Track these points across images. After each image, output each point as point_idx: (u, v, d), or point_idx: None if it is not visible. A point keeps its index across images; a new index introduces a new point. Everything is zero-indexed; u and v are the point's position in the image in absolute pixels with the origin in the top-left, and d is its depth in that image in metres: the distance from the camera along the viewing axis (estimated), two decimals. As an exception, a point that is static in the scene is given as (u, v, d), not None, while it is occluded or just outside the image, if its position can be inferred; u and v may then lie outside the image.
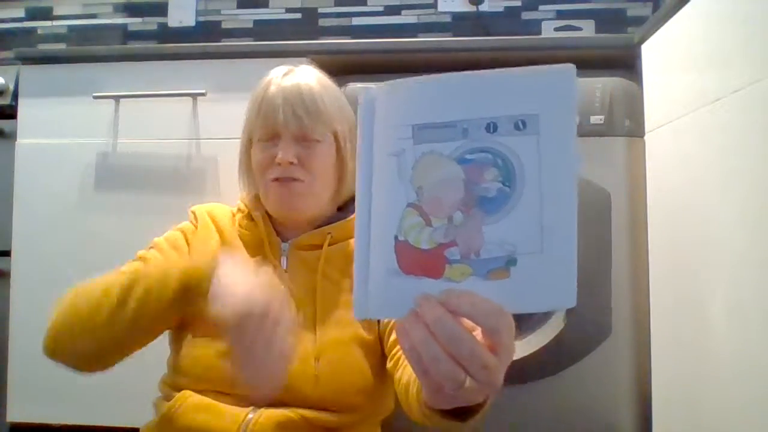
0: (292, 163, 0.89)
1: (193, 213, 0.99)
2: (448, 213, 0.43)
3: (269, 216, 0.96)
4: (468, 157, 0.42)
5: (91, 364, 0.81)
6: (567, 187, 0.42)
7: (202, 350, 0.85)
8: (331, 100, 0.93)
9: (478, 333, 0.45)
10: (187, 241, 0.94)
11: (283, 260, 0.93)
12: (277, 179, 0.90)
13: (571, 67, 0.42)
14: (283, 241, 0.94)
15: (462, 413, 0.56)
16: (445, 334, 0.43)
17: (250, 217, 0.96)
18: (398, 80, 0.44)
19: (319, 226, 0.95)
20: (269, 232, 0.94)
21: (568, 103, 0.42)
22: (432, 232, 0.43)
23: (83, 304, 0.79)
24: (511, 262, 0.42)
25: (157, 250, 0.92)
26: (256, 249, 0.94)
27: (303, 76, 0.92)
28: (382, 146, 0.44)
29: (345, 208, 1.00)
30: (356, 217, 0.45)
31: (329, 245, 0.93)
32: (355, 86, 1.30)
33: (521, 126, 0.41)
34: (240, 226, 0.96)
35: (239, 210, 0.99)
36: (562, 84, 0.42)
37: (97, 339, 0.78)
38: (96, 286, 0.81)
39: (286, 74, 0.92)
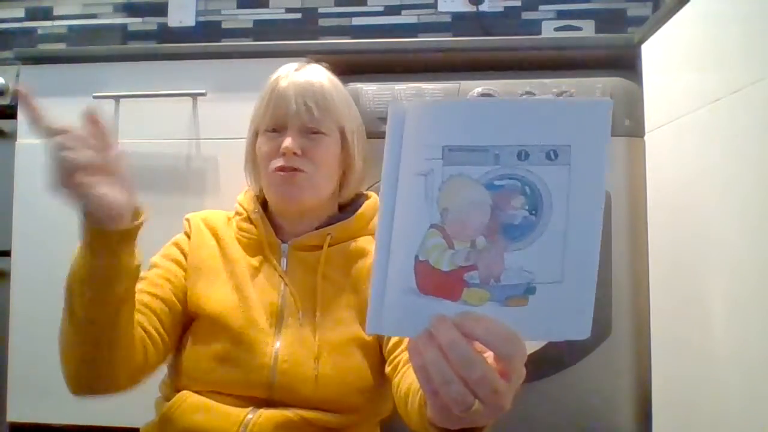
0: (296, 154, 0.89)
1: (188, 221, 0.98)
2: (472, 237, 0.43)
3: (268, 217, 0.96)
4: (497, 183, 0.42)
5: (116, 385, 0.78)
6: (593, 220, 0.42)
7: (201, 352, 0.85)
8: (341, 97, 0.95)
9: (489, 356, 0.45)
10: (183, 252, 0.94)
11: (283, 261, 0.93)
12: (280, 169, 0.90)
13: (607, 101, 0.42)
14: (282, 242, 0.94)
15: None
16: (458, 357, 0.42)
17: (248, 219, 0.96)
18: (432, 100, 0.44)
19: (320, 226, 0.95)
20: (269, 233, 0.94)
21: (602, 137, 0.42)
22: (453, 255, 0.43)
23: (64, 335, 0.78)
24: (530, 290, 0.43)
25: (156, 267, 0.92)
26: (256, 251, 0.93)
27: (314, 73, 0.94)
28: (410, 164, 0.43)
29: (346, 207, 1.00)
30: (377, 233, 0.45)
31: (329, 246, 0.93)
32: (356, 86, 1.30)
33: (553, 156, 0.41)
34: (239, 229, 0.95)
35: (237, 213, 0.98)
36: (597, 117, 0.42)
37: (88, 360, 0.75)
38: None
39: (297, 69, 0.94)
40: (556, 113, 0.42)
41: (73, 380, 0.77)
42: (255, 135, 0.96)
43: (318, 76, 0.94)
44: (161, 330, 0.85)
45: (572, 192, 0.42)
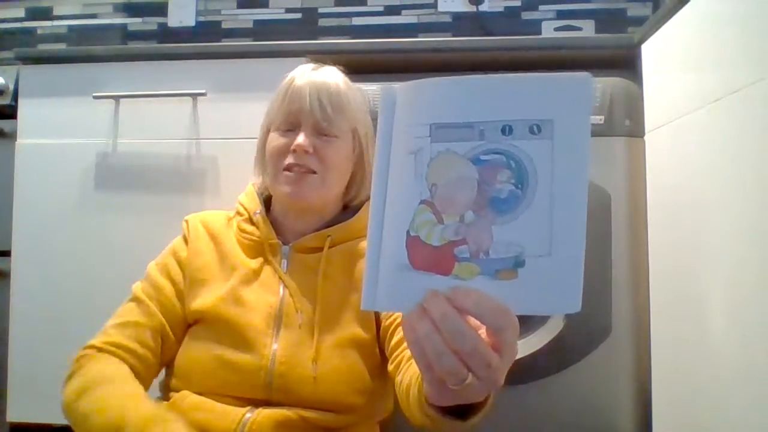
0: (308, 152, 0.89)
1: (186, 222, 0.98)
2: (460, 211, 0.44)
3: (270, 218, 0.96)
4: (483, 157, 0.43)
5: None
6: (578, 193, 0.43)
7: (199, 354, 0.86)
8: (355, 100, 0.95)
9: (483, 332, 0.45)
10: (180, 262, 0.94)
11: (284, 263, 0.93)
12: (290, 167, 0.90)
13: (587, 76, 0.43)
14: (283, 243, 0.94)
15: (463, 412, 0.57)
16: (450, 330, 0.43)
17: (249, 220, 0.96)
18: (419, 80, 0.44)
19: (321, 226, 0.95)
20: (269, 235, 0.93)
21: (584, 111, 0.43)
22: (443, 230, 0.44)
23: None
24: (519, 263, 0.43)
25: (151, 285, 0.92)
26: (256, 252, 0.93)
27: (331, 74, 0.94)
28: (401, 143, 0.45)
29: (348, 208, 1.00)
30: (371, 211, 0.46)
31: (330, 247, 0.93)
32: (356, 86, 1.30)
33: (536, 130, 0.42)
34: (240, 230, 0.95)
35: (238, 213, 0.98)
36: (579, 91, 0.43)
37: None
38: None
39: (315, 69, 0.94)
40: (538, 88, 0.43)
41: None
42: (267, 131, 0.96)
43: (334, 77, 0.94)
44: (154, 361, 0.88)
45: (556, 165, 0.42)
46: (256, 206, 0.96)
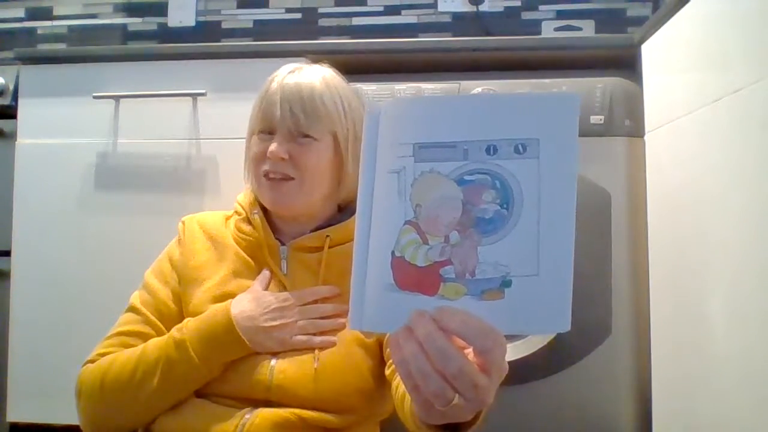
0: (283, 159, 0.88)
1: (183, 224, 0.98)
2: (445, 232, 0.44)
3: (267, 218, 0.95)
4: (467, 178, 0.43)
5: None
6: (566, 212, 0.42)
7: None
8: (334, 100, 0.91)
9: (469, 352, 0.45)
10: (174, 265, 0.93)
11: (283, 264, 0.92)
12: (266, 174, 0.90)
13: (574, 95, 0.43)
14: (282, 244, 0.93)
15: (456, 427, 0.56)
16: (435, 350, 0.43)
17: (248, 220, 0.95)
18: (402, 98, 0.45)
19: (319, 227, 0.94)
20: (268, 236, 0.92)
21: (570, 130, 0.42)
22: (428, 250, 0.44)
23: (119, 393, 0.83)
24: (505, 283, 0.43)
25: (148, 293, 0.92)
26: (255, 253, 0.93)
27: (307, 75, 0.91)
28: (384, 163, 0.44)
29: (345, 208, 0.99)
30: (356, 231, 0.46)
31: (330, 248, 0.92)
32: (356, 86, 1.30)
33: (521, 150, 0.42)
34: (237, 230, 0.94)
35: (236, 212, 0.97)
36: (565, 111, 0.43)
37: (139, 418, 0.84)
38: (123, 372, 0.83)
39: (291, 72, 0.92)
40: (523, 107, 0.42)
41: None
42: (251, 135, 0.95)
43: (311, 78, 0.91)
44: None
45: (543, 185, 0.42)
46: (253, 206, 0.95)
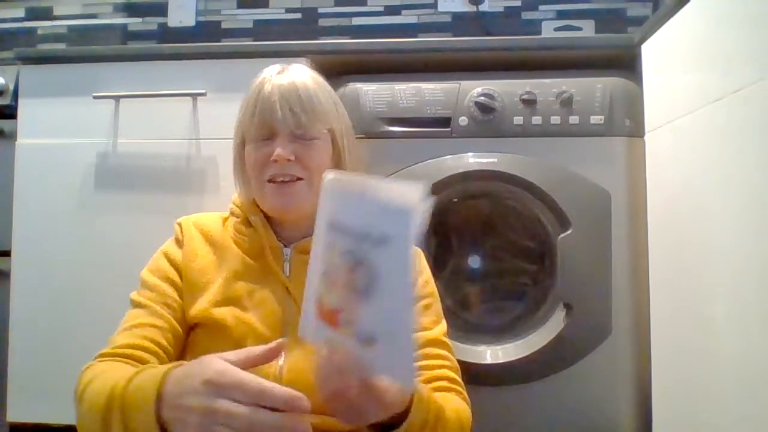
0: (289, 160, 0.87)
1: (179, 225, 0.95)
2: (339, 289, 0.56)
3: (267, 219, 0.93)
4: (351, 254, 0.55)
5: None
6: (405, 291, 0.52)
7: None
8: (327, 97, 0.92)
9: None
10: (176, 265, 0.90)
11: (286, 266, 0.90)
12: (273, 179, 0.88)
13: (419, 190, 0.51)
14: (284, 245, 0.92)
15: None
16: (332, 371, 0.62)
17: (246, 222, 0.93)
18: (337, 179, 0.58)
19: None
20: (270, 238, 0.91)
21: (409, 224, 0.51)
22: (331, 298, 0.57)
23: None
24: (373, 339, 0.54)
25: (150, 290, 0.87)
26: (257, 256, 0.91)
27: (298, 74, 0.91)
28: (319, 227, 0.60)
29: None
30: (308, 271, 0.60)
31: None
32: (356, 86, 1.30)
33: (383, 241, 0.52)
34: (237, 232, 0.93)
35: (233, 214, 0.95)
36: (402, 221, 0.51)
37: None
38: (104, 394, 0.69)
39: (280, 72, 0.91)
40: (386, 206, 0.52)
41: None
42: (242, 143, 0.93)
43: (302, 76, 0.91)
44: (169, 354, 0.84)
45: (392, 268, 0.52)
46: (253, 209, 0.93)
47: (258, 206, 0.94)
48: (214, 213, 0.99)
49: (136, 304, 0.87)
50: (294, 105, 0.87)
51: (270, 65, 0.95)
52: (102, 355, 0.80)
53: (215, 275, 0.89)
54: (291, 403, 0.57)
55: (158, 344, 0.82)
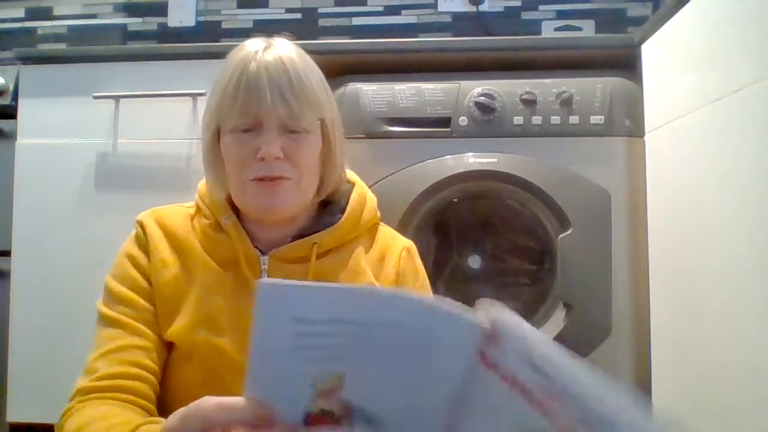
0: (278, 158, 0.74)
1: (141, 225, 0.82)
2: None
3: (239, 217, 0.81)
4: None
5: None
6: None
7: (178, 386, 0.77)
8: (318, 81, 0.79)
9: None
10: (143, 272, 0.79)
11: (263, 277, 0.78)
12: (260, 179, 0.75)
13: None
14: (262, 253, 0.79)
15: None
16: None
17: (217, 225, 0.80)
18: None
19: (300, 231, 0.81)
20: (245, 246, 0.78)
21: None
22: None
23: None
24: None
25: (125, 304, 0.77)
26: (229, 264, 0.78)
27: (284, 50, 0.77)
28: None
29: (328, 208, 0.85)
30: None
31: (317, 257, 0.80)
32: (356, 86, 1.30)
33: None
34: (205, 236, 0.80)
35: (201, 213, 0.82)
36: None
37: None
38: None
39: (266, 49, 0.76)
40: None
41: None
42: (216, 132, 0.79)
43: (289, 53, 0.77)
44: (158, 377, 0.75)
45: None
46: (224, 210, 0.80)
47: (231, 206, 0.81)
48: (179, 207, 0.86)
49: (111, 322, 0.76)
50: (285, 90, 0.73)
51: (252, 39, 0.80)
52: (83, 392, 0.71)
53: (186, 289, 0.78)
54: None
55: (145, 367, 0.73)
